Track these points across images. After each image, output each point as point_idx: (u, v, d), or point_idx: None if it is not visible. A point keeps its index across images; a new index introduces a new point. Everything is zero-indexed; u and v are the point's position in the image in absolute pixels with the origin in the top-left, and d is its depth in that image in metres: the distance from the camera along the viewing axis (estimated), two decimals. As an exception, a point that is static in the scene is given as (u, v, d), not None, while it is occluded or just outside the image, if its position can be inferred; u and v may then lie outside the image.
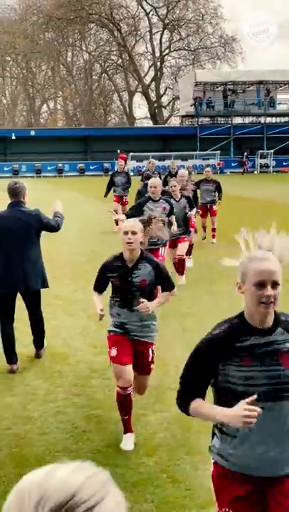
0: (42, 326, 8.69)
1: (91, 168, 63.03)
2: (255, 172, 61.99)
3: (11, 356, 8.24)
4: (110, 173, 31.78)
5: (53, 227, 8.39)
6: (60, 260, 15.27)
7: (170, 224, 11.78)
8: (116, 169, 22.91)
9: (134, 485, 5.28)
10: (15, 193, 8.21)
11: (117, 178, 21.80)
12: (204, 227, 18.66)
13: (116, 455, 5.82)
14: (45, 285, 8.46)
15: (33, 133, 66.82)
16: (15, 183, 8.35)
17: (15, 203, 8.21)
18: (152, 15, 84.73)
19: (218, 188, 18.44)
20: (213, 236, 18.36)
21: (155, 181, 12.07)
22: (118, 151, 61.18)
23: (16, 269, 8.07)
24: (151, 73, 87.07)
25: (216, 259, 15.37)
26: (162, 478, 5.44)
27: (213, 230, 18.33)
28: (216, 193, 18.42)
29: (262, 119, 68.02)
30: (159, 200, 11.70)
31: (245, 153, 62.35)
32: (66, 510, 0.95)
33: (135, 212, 10.96)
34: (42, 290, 8.71)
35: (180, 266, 13.26)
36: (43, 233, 8.56)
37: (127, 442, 5.99)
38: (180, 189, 13.60)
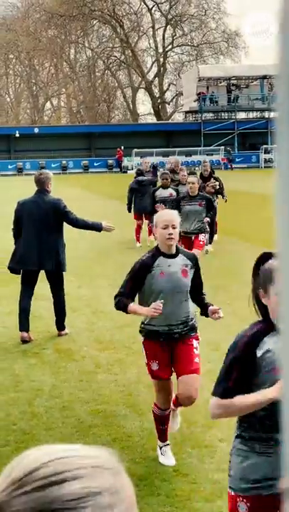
0: (61, 307, 9.40)
1: (95, 164, 63.04)
2: (260, 167, 61.89)
3: (24, 324, 9.17)
4: (132, 174, 24.78)
5: (71, 220, 9.14)
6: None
7: None
8: (142, 169, 18.95)
9: (140, 479, 5.28)
10: (40, 182, 9.21)
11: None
12: None
13: (122, 449, 5.82)
14: (60, 269, 9.25)
15: (36, 130, 66.85)
16: (40, 174, 9.46)
17: (39, 191, 9.20)
18: (155, 10, 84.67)
19: (209, 207, 12.70)
20: None
21: None
22: (122, 147, 61.28)
23: (32, 250, 9.02)
24: (155, 69, 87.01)
25: (220, 255, 15.38)
26: (168, 471, 5.44)
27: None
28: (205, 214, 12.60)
29: (266, 114, 67.87)
30: None
31: (228, 150, 61.50)
32: (19, 484, 0.95)
33: None
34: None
35: None
36: None
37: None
38: None
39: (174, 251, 5.49)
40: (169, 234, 5.41)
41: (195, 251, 10.99)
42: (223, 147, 62.60)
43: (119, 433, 6.20)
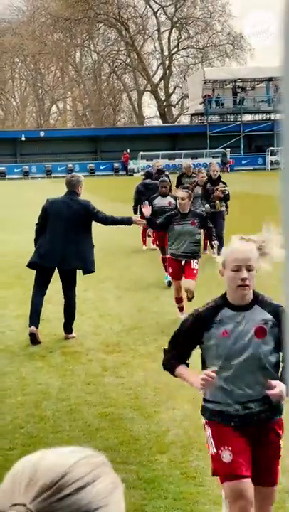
0: (72, 310, 9.50)
1: (101, 168, 63.11)
2: (266, 169, 61.85)
3: (35, 320, 9.33)
4: (140, 175, 23.57)
5: (101, 219, 9.47)
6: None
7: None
8: (151, 172, 18.43)
9: (147, 482, 5.28)
10: (71, 184, 9.56)
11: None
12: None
13: (129, 452, 5.82)
14: (86, 268, 9.49)
15: (42, 134, 66.97)
16: (72, 176, 9.86)
17: (69, 193, 9.55)
18: (160, 13, 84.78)
19: (203, 224, 10.47)
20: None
21: None
22: (128, 150, 61.31)
23: (57, 247, 9.28)
24: (160, 72, 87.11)
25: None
26: (176, 474, 5.43)
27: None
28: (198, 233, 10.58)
29: (272, 116, 67.84)
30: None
31: (224, 153, 60.98)
32: (56, 489, 0.98)
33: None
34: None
35: None
36: None
37: None
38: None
39: (247, 301, 3.92)
40: (242, 279, 3.85)
41: (186, 281, 10.05)
42: (229, 149, 62.59)
43: (127, 436, 6.19)
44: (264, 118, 68.77)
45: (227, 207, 16.03)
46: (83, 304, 11.40)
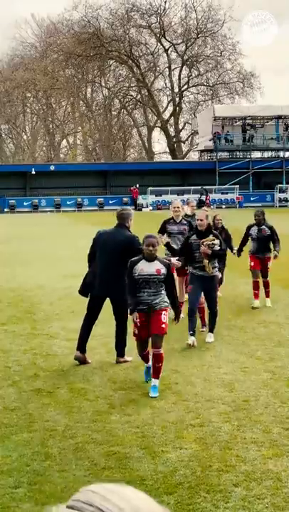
0: (121, 337, 9.97)
1: (110, 202, 63.36)
2: (274, 206, 61.96)
3: (81, 346, 9.90)
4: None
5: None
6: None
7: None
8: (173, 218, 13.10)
9: (154, 524, 5.20)
10: (121, 217, 10.06)
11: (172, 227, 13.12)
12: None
13: (136, 493, 5.74)
14: (122, 300, 9.64)
15: (52, 168, 67.41)
16: (122, 210, 10.38)
17: (118, 225, 10.06)
18: (171, 51, 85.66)
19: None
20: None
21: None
22: (137, 185, 61.57)
23: (102, 277, 9.80)
24: (170, 108, 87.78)
25: (235, 294, 15.34)
26: (183, 516, 5.36)
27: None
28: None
29: (281, 154, 68.21)
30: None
31: (202, 190, 60.29)
32: None
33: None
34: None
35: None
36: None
37: None
38: None
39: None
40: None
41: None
42: (237, 186, 62.82)
43: (133, 476, 6.12)
44: (273, 155, 69.11)
45: (224, 265, 13.35)
46: (91, 339, 11.36)
